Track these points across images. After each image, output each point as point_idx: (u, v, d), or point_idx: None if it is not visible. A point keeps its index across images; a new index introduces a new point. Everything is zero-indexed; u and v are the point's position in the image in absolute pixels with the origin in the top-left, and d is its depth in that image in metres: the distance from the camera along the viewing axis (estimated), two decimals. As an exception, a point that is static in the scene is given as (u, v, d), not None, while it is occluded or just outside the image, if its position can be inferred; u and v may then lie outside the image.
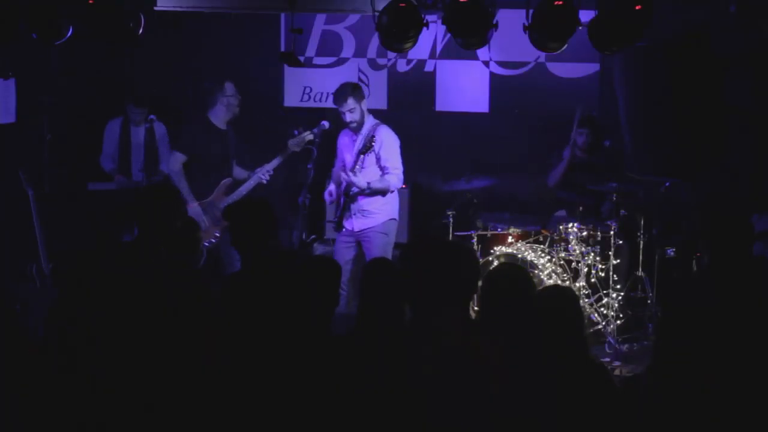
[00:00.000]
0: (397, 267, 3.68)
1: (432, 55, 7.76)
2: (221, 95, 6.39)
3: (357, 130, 6.10)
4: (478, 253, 6.49)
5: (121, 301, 3.63)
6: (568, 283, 6.27)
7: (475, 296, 4.19)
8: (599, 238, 6.36)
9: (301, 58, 7.30)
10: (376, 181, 6.07)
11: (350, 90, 6.06)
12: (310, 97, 6.73)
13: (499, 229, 6.65)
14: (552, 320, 3.31)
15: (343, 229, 6.15)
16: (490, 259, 6.39)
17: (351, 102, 6.01)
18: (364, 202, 6.12)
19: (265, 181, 6.37)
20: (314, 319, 3.55)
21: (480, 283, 3.64)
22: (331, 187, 6.28)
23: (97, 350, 3.31)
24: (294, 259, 3.95)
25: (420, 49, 7.38)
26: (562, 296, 3.50)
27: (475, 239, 6.62)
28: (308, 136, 6.27)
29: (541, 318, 3.33)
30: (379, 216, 6.15)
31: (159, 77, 7.65)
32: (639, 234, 6.45)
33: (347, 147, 6.21)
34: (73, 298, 3.45)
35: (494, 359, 3.25)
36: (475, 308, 5.08)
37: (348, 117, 6.03)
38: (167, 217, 4.17)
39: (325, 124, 6.07)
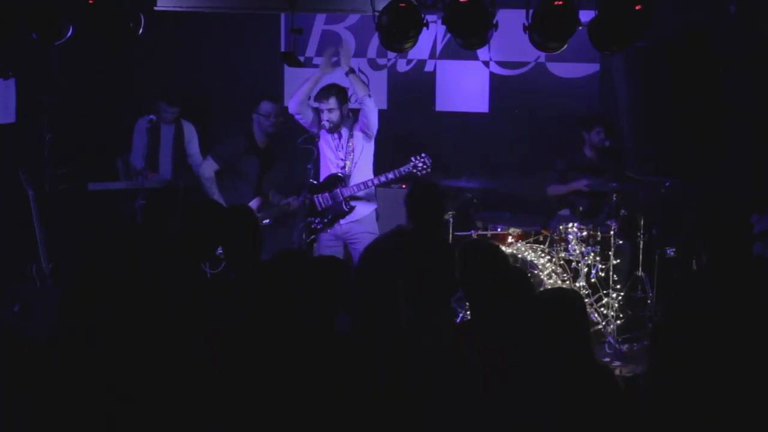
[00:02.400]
0: (395, 267, 3.68)
1: (432, 55, 7.76)
2: (256, 114, 6.43)
3: (333, 130, 6.12)
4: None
5: (127, 301, 3.63)
6: (568, 283, 6.27)
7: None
8: (599, 238, 6.36)
9: (301, 58, 7.30)
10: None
11: (335, 91, 6.09)
12: (310, 97, 6.73)
13: (499, 229, 6.64)
14: (555, 323, 3.27)
15: (327, 231, 6.16)
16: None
17: (333, 102, 6.04)
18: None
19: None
20: (318, 320, 3.54)
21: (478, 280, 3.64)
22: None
23: (102, 351, 3.31)
24: (299, 258, 3.94)
25: (420, 49, 7.39)
26: (566, 299, 3.43)
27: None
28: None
29: (542, 319, 3.30)
30: (363, 209, 6.18)
31: (160, 77, 7.65)
32: (639, 234, 6.45)
33: (329, 146, 6.21)
34: (80, 300, 3.44)
35: (493, 359, 3.25)
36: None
37: (326, 116, 6.05)
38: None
39: (326, 123, 6.07)
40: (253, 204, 6.38)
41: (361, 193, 6.11)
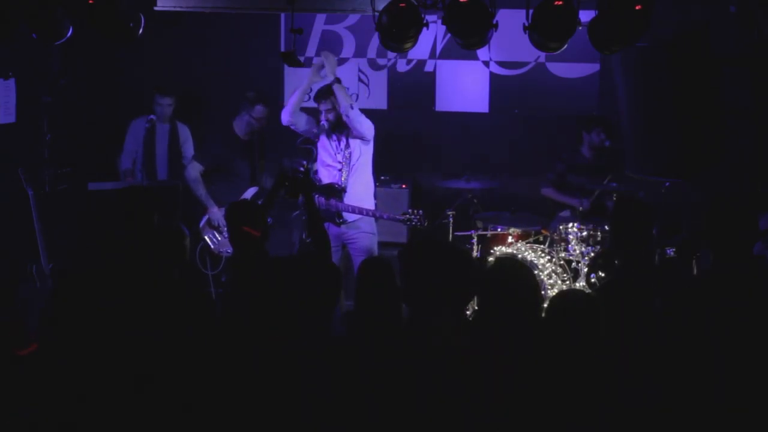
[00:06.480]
0: (393, 266, 3.68)
1: (432, 55, 7.76)
2: (246, 112, 6.49)
3: (332, 131, 6.15)
4: (478, 254, 6.52)
5: (120, 305, 3.63)
6: (568, 283, 6.27)
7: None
8: (599, 238, 6.36)
9: (301, 58, 7.30)
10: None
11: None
12: (309, 97, 6.73)
13: (499, 229, 6.65)
14: (563, 324, 3.23)
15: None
16: (490, 259, 6.40)
17: (331, 102, 6.04)
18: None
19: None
20: (315, 321, 3.54)
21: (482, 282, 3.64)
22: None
23: (95, 353, 3.30)
24: (294, 262, 3.94)
25: (420, 49, 7.39)
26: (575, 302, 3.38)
27: (475, 239, 6.63)
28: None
29: (551, 321, 3.28)
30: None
31: (160, 77, 7.65)
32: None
33: (325, 147, 6.22)
34: (68, 304, 3.44)
35: (493, 358, 3.25)
36: (475, 307, 5.08)
37: (324, 116, 6.07)
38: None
39: (325, 123, 6.08)
40: (250, 192, 6.43)
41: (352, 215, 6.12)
